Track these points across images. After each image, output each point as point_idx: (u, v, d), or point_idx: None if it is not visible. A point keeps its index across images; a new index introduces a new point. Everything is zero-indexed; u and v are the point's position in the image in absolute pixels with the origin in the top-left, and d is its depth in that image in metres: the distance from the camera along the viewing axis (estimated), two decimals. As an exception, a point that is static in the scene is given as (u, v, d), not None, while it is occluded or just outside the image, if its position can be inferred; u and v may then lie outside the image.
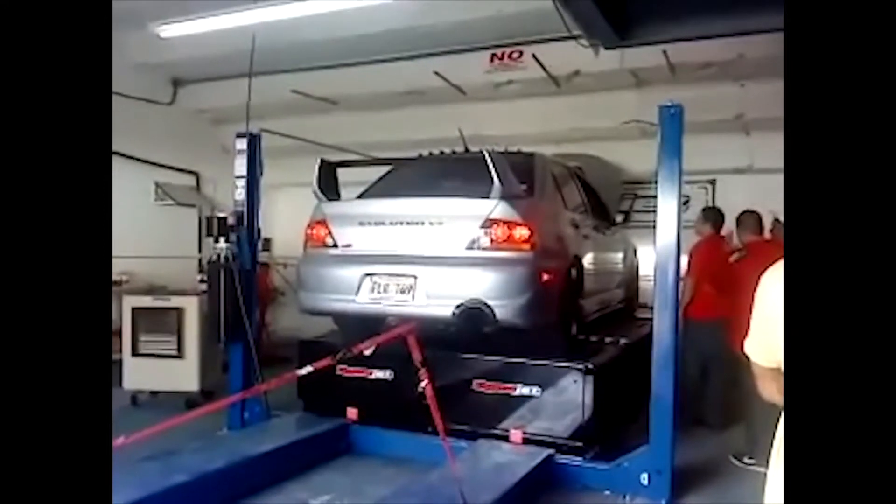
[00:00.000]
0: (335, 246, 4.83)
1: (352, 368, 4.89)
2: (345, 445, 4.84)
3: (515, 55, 7.07)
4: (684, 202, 6.80)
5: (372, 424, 4.89)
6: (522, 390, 4.60)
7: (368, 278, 4.62)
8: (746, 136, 7.20)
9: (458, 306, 4.32)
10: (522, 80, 7.16)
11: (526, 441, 4.51)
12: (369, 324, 4.74)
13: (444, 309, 4.36)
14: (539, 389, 4.56)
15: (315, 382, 4.45)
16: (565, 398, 4.51)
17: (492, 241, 4.42)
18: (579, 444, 4.44)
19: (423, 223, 4.59)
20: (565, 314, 4.86)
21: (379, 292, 4.59)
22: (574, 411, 4.48)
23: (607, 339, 5.23)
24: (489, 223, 4.42)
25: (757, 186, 6.61)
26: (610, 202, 6.80)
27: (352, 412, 4.99)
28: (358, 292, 4.63)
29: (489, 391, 4.66)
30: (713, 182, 7.88)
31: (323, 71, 7.64)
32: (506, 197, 4.41)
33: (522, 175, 4.75)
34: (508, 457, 4.34)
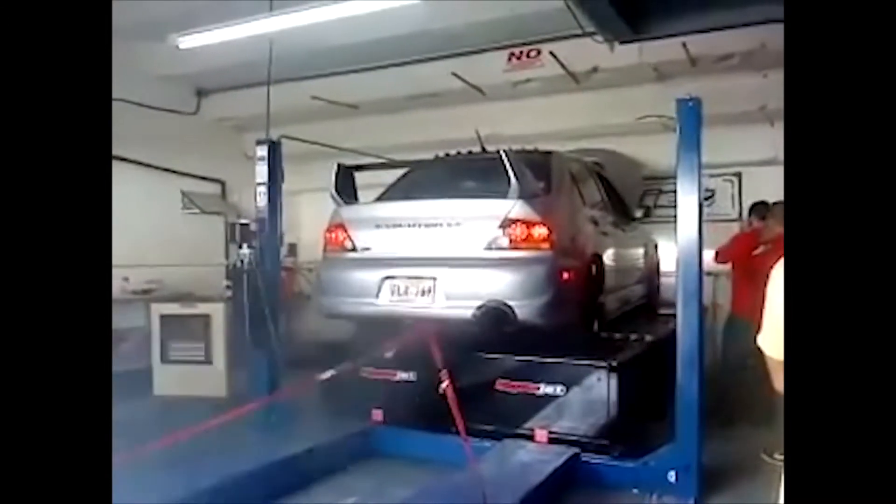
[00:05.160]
0: (354, 249, 4.86)
1: (376, 371, 4.91)
2: (370, 448, 4.84)
3: (533, 53, 7.04)
4: (708, 196, 6.78)
5: (397, 426, 4.89)
6: (546, 389, 4.58)
7: (388, 281, 4.64)
8: (771, 127, 7.07)
9: (478, 307, 4.32)
10: (541, 78, 7.12)
11: (551, 440, 4.48)
12: (389, 327, 4.75)
13: (464, 310, 4.37)
14: (563, 388, 4.54)
15: (340, 385, 4.49)
16: (590, 396, 4.47)
17: (511, 241, 4.41)
18: (605, 442, 4.39)
19: (441, 224, 4.59)
20: (586, 313, 4.84)
21: (399, 295, 4.61)
22: (599, 409, 4.44)
23: (632, 337, 5.17)
24: (508, 223, 4.41)
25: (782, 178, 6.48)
26: (629, 197, 6.74)
27: (377, 414, 5.01)
28: (378, 295, 4.65)
29: (513, 391, 4.64)
30: (738, 175, 7.74)
31: (343, 76, 7.70)
32: (524, 196, 4.40)
33: (540, 174, 4.73)
34: (534, 456, 4.32)
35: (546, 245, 4.39)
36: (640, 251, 6.55)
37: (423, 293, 4.53)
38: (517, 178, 4.33)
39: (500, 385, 4.66)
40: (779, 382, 1.67)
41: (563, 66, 6.85)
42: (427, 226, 4.63)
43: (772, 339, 1.58)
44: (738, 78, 6.79)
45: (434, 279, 4.51)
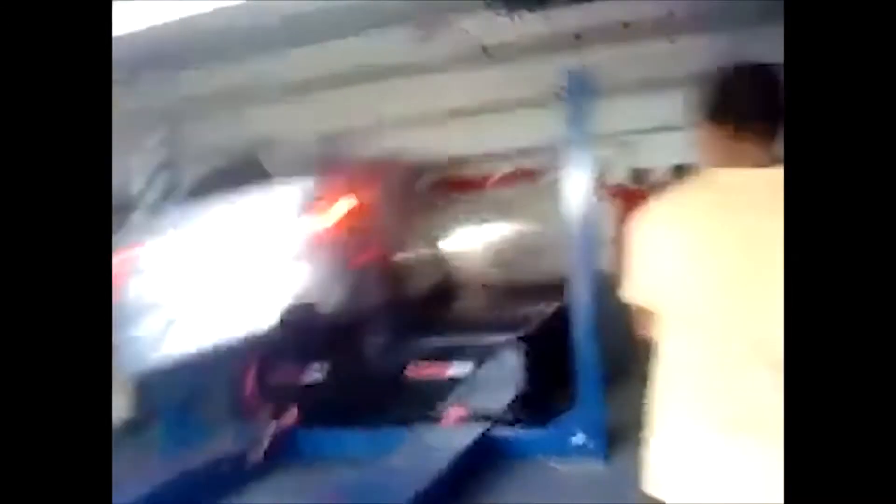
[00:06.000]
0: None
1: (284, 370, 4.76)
2: (283, 451, 4.67)
3: (444, 27, 6.92)
4: (607, 165, 6.87)
5: (310, 426, 4.76)
6: (456, 369, 4.61)
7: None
8: (675, 92, 7.14)
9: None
10: (452, 54, 7.02)
11: (463, 419, 4.49)
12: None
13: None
14: (471, 365, 4.57)
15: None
16: (498, 371, 4.54)
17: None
18: (515, 414, 4.45)
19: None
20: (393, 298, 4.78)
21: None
22: (507, 383, 4.51)
23: (536, 308, 5.20)
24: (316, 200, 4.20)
25: (688, 143, 6.57)
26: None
27: (288, 416, 4.79)
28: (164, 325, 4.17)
29: (422, 375, 4.68)
30: (639, 141, 7.79)
31: (248, 60, 7.41)
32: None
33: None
34: (444, 438, 4.36)
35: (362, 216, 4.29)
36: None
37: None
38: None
39: (410, 371, 4.65)
40: (643, 328, 1.71)
41: (472, 39, 6.77)
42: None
43: (635, 287, 1.67)
44: (648, 44, 6.80)
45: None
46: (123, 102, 4.93)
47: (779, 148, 1.54)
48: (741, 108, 1.59)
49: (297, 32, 6.95)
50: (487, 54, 7.01)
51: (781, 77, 1.51)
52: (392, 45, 6.98)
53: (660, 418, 1.59)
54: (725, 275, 1.49)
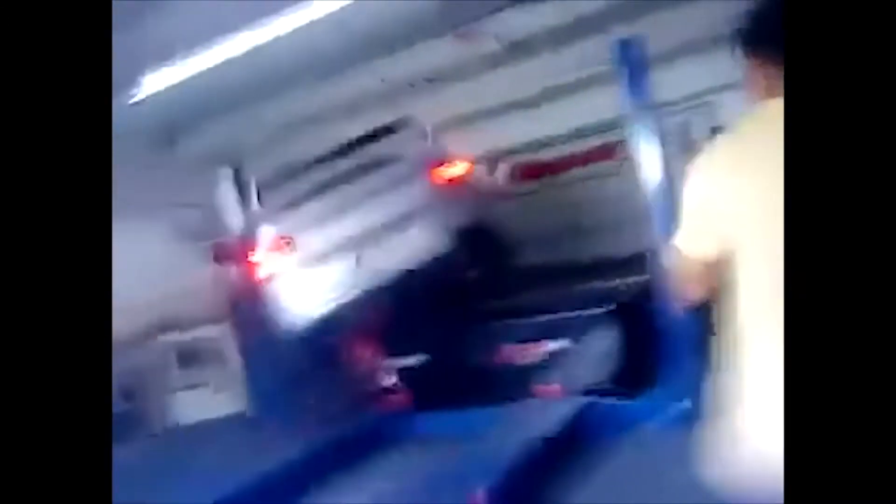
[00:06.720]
0: None
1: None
2: (390, 434, 4.84)
3: (477, 32, 7.01)
4: (684, 127, 6.69)
5: (416, 409, 4.93)
6: (552, 345, 4.65)
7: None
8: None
9: None
10: (488, 54, 7.11)
11: (563, 394, 4.52)
12: None
13: None
14: (569, 341, 4.60)
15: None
16: (593, 345, 4.53)
17: None
18: (616, 385, 4.42)
19: None
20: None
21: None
22: (603, 355, 4.49)
23: (625, 281, 5.17)
24: None
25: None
26: None
27: (393, 399, 5.02)
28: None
29: (518, 353, 4.73)
30: (710, 103, 7.60)
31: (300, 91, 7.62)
32: None
33: None
34: (546, 413, 4.35)
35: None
36: None
37: None
38: None
39: (507, 351, 4.74)
40: (692, 285, 1.68)
41: (500, 38, 6.82)
42: None
43: (691, 236, 1.60)
44: (686, 8, 6.69)
45: None
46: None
47: None
48: (778, 37, 1.46)
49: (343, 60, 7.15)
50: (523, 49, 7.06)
51: None
52: (432, 57, 7.12)
53: (749, 365, 1.48)
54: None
